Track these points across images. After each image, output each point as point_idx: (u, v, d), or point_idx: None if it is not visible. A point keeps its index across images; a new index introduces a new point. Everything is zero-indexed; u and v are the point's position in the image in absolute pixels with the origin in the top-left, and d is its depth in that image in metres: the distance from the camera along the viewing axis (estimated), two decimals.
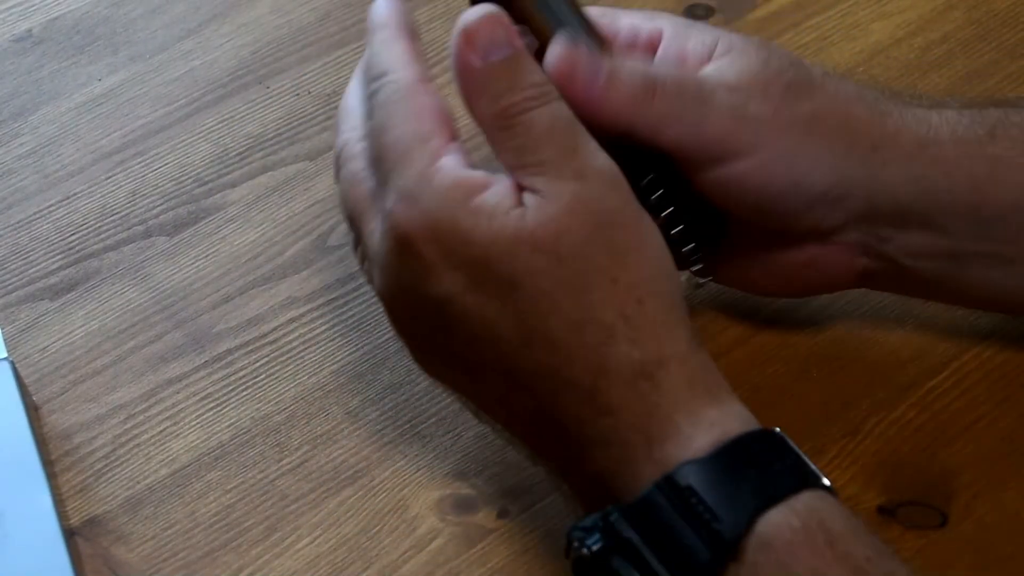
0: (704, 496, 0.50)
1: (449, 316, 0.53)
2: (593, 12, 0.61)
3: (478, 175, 0.53)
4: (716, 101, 0.58)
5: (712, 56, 0.60)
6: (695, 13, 0.83)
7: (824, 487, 0.52)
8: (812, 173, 0.59)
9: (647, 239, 0.54)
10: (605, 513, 0.51)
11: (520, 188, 0.53)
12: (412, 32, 0.57)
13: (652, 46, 0.61)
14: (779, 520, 0.49)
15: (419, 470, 0.64)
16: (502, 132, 0.53)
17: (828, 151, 0.59)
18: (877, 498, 0.63)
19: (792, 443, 0.53)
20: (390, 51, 0.56)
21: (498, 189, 0.53)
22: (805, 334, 0.68)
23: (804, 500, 0.50)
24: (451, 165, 0.53)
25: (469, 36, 0.54)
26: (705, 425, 0.52)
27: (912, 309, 0.69)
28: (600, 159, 0.53)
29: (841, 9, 0.82)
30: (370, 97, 0.56)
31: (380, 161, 0.54)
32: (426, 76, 0.55)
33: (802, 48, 0.80)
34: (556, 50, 0.57)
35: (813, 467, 0.52)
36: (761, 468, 0.51)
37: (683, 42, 0.61)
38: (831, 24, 0.82)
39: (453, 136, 0.54)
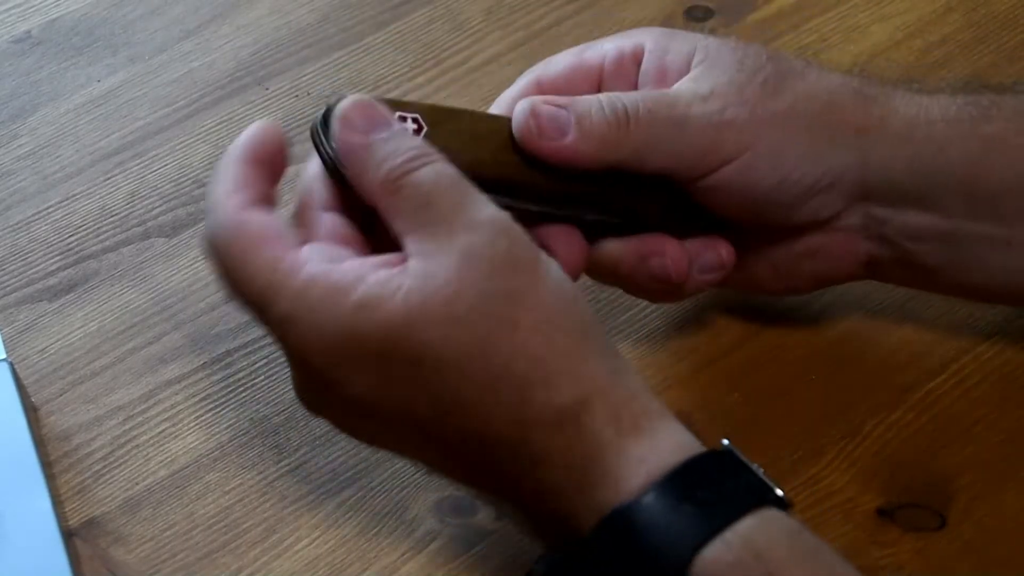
0: (641, 539, 0.49)
1: (365, 409, 0.52)
2: (575, 51, 0.62)
3: (349, 269, 0.51)
4: (692, 116, 0.58)
5: (691, 66, 0.60)
6: (694, 15, 0.83)
7: (775, 500, 0.50)
8: (798, 167, 0.59)
9: (545, 274, 0.52)
10: (552, 559, 0.51)
11: (402, 260, 0.51)
12: (258, 154, 0.55)
13: (637, 61, 0.62)
14: (715, 557, 0.48)
15: (418, 471, 0.64)
16: (392, 197, 0.52)
17: (810, 143, 0.59)
18: (876, 500, 0.63)
19: (740, 456, 0.51)
20: (219, 179, 0.54)
21: (378, 275, 0.51)
22: (804, 336, 0.68)
23: (741, 531, 0.49)
24: (319, 271, 0.51)
25: (347, 120, 0.53)
26: (634, 464, 0.50)
27: (911, 311, 0.69)
28: (488, 209, 0.52)
29: (840, 11, 0.82)
30: (202, 238, 0.54)
31: (246, 304, 0.53)
32: (253, 199, 0.53)
33: (801, 50, 0.80)
34: (517, 111, 0.57)
35: (764, 480, 0.51)
36: (697, 500, 0.49)
37: (662, 55, 0.61)
38: (830, 26, 0.82)
39: (301, 240, 0.53)
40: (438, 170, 0.52)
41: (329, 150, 0.54)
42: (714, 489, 0.50)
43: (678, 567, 0.48)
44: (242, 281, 0.52)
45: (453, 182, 0.52)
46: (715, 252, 0.61)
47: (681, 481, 0.50)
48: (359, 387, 0.51)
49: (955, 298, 0.68)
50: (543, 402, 0.50)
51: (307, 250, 0.52)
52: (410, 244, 0.52)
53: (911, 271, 0.63)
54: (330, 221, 0.55)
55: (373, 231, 0.55)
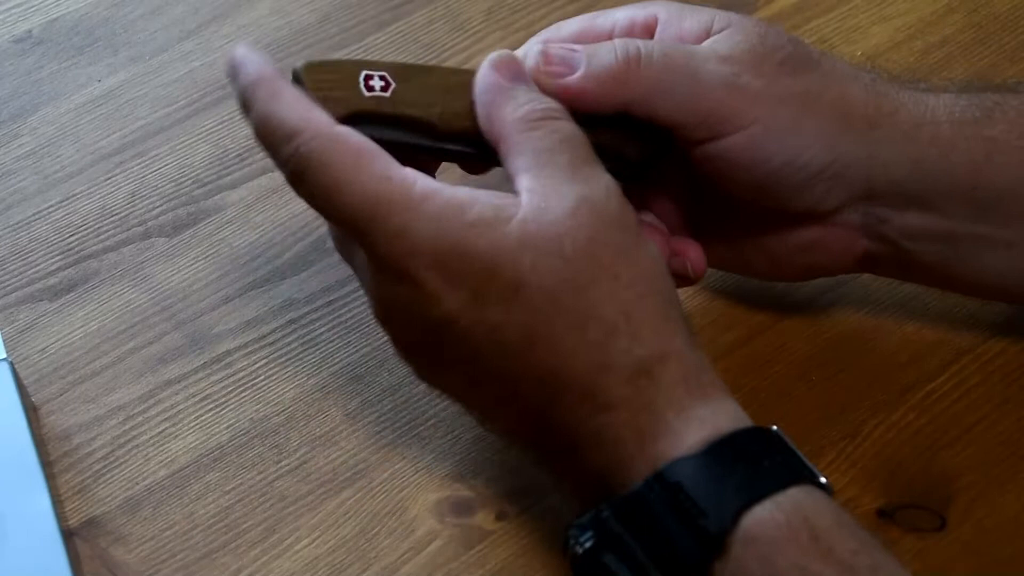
0: (692, 492, 0.50)
1: (451, 334, 0.53)
2: (586, 17, 0.62)
3: (463, 191, 0.53)
4: (707, 70, 0.58)
5: (710, 33, 0.60)
6: None
7: (818, 484, 0.52)
8: (808, 149, 0.59)
9: (645, 241, 0.55)
10: (597, 510, 0.52)
11: (516, 193, 0.54)
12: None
13: (649, 31, 0.62)
14: (764, 516, 0.50)
15: (418, 472, 0.64)
16: (526, 133, 0.55)
17: (824, 128, 0.59)
18: (876, 501, 0.63)
19: (788, 441, 0.53)
20: (286, 108, 0.54)
21: (492, 200, 0.53)
22: (804, 337, 0.68)
23: (791, 496, 0.51)
24: (432, 188, 0.53)
25: (498, 64, 0.56)
26: (696, 423, 0.52)
27: (912, 311, 0.69)
28: (605, 174, 0.55)
29: (841, 12, 0.82)
30: (286, 163, 0.54)
31: (351, 222, 0.53)
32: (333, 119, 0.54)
33: None
34: (530, 53, 0.58)
35: (809, 465, 0.52)
36: (750, 465, 0.51)
37: (679, 23, 0.61)
38: (831, 27, 0.82)
39: (400, 162, 0.54)
40: (573, 128, 0.55)
41: None
42: (766, 459, 0.52)
43: (726, 521, 0.50)
44: (350, 194, 0.53)
45: (582, 142, 0.55)
46: (681, 261, 0.62)
47: (736, 445, 0.52)
48: (453, 304, 0.52)
49: (955, 298, 0.68)
50: (625, 350, 0.52)
51: (410, 170, 0.53)
52: (527, 180, 0.54)
53: (908, 268, 0.63)
54: None
55: None
